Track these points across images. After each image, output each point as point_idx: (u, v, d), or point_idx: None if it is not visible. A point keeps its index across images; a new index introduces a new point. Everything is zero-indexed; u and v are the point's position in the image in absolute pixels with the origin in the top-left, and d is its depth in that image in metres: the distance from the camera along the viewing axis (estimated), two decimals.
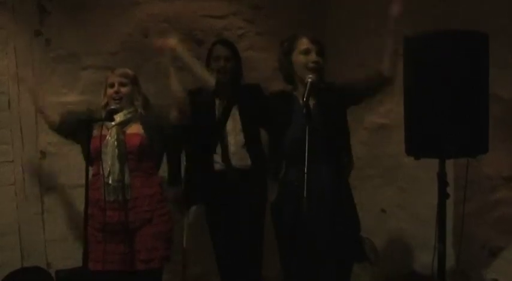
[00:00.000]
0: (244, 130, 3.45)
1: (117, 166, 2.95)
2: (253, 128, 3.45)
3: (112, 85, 3.09)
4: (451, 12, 3.32)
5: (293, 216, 2.72)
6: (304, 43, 2.79)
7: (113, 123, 2.99)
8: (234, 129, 3.46)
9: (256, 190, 3.37)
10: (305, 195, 2.37)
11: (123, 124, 3.05)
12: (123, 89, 3.08)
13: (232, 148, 3.45)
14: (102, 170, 2.93)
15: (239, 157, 3.45)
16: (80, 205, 2.88)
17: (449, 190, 3.03)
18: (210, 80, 3.09)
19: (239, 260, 3.57)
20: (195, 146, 3.56)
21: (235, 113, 3.47)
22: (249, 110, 3.42)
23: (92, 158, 2.92)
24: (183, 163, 3.62)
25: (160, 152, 3.21)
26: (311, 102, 2.65)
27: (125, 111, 3.06)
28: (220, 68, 3.43)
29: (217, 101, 3.50)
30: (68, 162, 3.83)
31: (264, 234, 3.51)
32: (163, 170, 3.39)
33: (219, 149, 3.46)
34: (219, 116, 3.47)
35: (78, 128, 3.00)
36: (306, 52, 2.76)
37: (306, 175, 2.40)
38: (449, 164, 3.08)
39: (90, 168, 2.93)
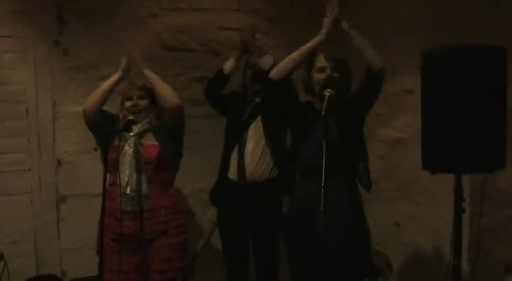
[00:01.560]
0: (271, 135, 3.37)
1: (134, 176, 2.97)
2: (278, 134, 3.37)
3: (130, 98, 3.11)
4: (468, 27, 3.32)
5: (304, 231, 2.70)
6: (320, 61, 2.83)
7: (131, 134, 3.02)
8: (255, 135, 3.39)
9: (272, 202, 3.34)
10: (322, 208, 2.37)
11: (140, 135, 3.07)
12: (142, 102, 3.11)
13: (247, 157, 3.36)
14: (120, 180, 2.95)
15: (255, 169, 3.36)
16: (96, 214, 2.90)
17: (465, 204, 3.00)
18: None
19: (246, 271, 3.56)
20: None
21: (260, 120, 3.41)
22: (278, 111, 3.31)
23: (109, 168, 2.92)
24: None
25: (175, 158, 3.19)
26: (329, 117, 2.64)
27: (142, 122, 3.08)
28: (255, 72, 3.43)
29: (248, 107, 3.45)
30: (84, 171, 3.87)
31: (279, 246, 3.44)
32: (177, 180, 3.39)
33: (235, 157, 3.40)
34: (245, 118, 3.41)
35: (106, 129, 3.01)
36: (321, 70, 2.78)
37: (323, 188, 2.39)
38: (466, 179, 3.06)
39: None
